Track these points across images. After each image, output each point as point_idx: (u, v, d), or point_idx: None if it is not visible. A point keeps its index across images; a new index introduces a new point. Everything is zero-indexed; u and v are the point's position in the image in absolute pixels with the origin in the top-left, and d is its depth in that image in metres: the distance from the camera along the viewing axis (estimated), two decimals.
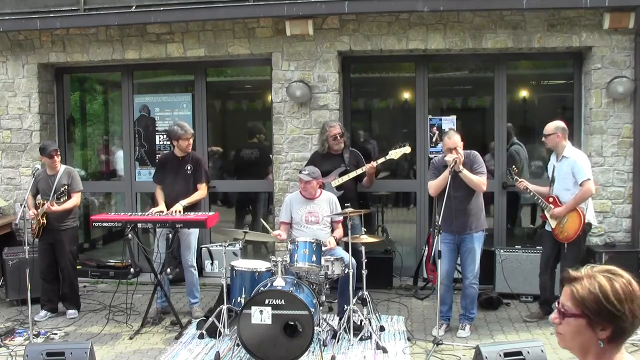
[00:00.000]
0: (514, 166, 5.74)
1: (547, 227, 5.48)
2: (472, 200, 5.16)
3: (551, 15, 6.30)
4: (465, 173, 5.04)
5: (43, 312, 5.92)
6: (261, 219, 6.16)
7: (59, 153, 5.83)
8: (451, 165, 4.96)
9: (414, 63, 6.95)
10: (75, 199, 5.84)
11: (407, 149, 6.06)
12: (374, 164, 6.02)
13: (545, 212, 5.38)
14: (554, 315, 1.76)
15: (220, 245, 6.34)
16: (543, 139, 5.40)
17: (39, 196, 5.81)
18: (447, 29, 6.46)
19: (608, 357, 1.68)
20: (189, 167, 5.81)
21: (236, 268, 5.02)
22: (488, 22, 6.40)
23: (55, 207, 5.57)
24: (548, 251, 5.52)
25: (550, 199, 5.36)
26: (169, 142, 7.22)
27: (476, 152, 5.29)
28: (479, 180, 5.08)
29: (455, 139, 5.08)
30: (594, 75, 6.31)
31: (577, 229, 5.23)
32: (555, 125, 5.32)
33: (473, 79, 7.89)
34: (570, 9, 6.22)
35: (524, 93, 7.50)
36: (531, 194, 5.40)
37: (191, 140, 5.82)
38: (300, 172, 5.62)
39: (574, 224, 5.24)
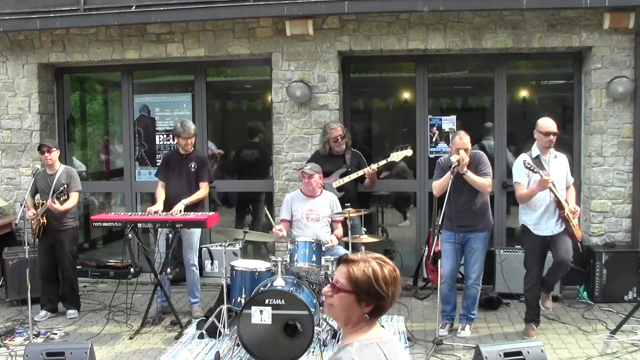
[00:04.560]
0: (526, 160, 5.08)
1: (540, 232, 5.06)
2: (477, 199, 5.14)
3: (551, 15, 6.30)
4: (470, 175, 5.02)
5: (43, 312, 5.93)
6: (265, 208, 6.11)
7: (51, 150, 5.79)
8: (454, 166, 4.94)
9: (414, 63, 6.95)
10: (74, 199, 5.83)
11: (408, 152, 6.05)
12: (374, 167, 6.01)
13: (567, 211, 4.98)
14: (326, 289, 2.02)
15: (220, 245, 6.34)
16: (552, 137, 5.01)
17: (37, 195, 5.81)
18: (447, 29, 6.46)
19: (362, 329, 1.98)
20: (192, 165, 5.83)
21: (236, 268, 5.02)
22: (488, 22, 6.40)
23: (57, 206, 5.56)
24: (542, 261, 5.17)
25: (564, 197, 5.08)
26: (169, 142, 7.25)
27: (482, 153, 5.27)
28: (483, 182, 5.06)
29: (465, 140, 5.03)
30: (594, 75, 6.30)
31: (579, 226, 5.22)
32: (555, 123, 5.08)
33: (473, 79, 7.89)
34: (570, 9, 6.22)
35: (524, 93, 7.50)
36: (556, 191, 4.94)
37: (190, 140, 5.80)
38: (301, 169, 5.63)
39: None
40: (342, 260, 2.03)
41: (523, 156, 5.11)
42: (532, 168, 4.86)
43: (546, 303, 5.27)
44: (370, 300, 1.94)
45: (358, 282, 1.94)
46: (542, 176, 4.83)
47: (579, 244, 5.22)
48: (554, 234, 5.03)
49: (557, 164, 5.12)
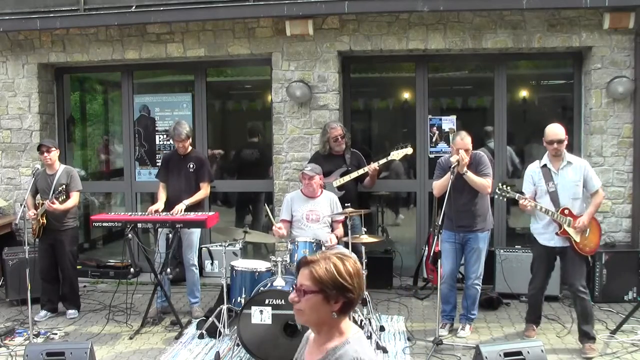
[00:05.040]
0: (502, 184, 4.97)
1: (544, 242, 4.93)
2: (477, 200, 5.13)
3: (551, 15, 6.30)
4: (469, 175, 5.01)
5: (43, 312, 5.93)
6: (265, 205, 6.12)
7: (50, 150, 5.79)
8: (454, 166, 4.94)
9: (414, 63, 6.95)
10: (75, 199, 5.83)
11: (408, 150, 6.05)
12: (375, 165, 6.01)
13: (566, 227, 4.74)
14: (292, 295, 1.97)
15: (220, 245, 6.35)
16: (556, 145, 4.76)
17: (38, 196, 5.82)
18: (447, 29, 6.46)
19: (337, 327, 1.97)
20: (191, 165, 5.83)
21: (236, 268, 5.02)
22: (488, 22, 6.40)
23: (56, 206, 5.56)
24: (546, 269, 5.06)
25: (566, 211, 4.77)
26: (169, 142, 7.25)
27: (482, 153, 5.25)
28: (483, 183, 5.05)
29: (467, 141, 5.00)
30: (594, 75, 6.30)
31: (599, 238, 4.92)
32: (563, 129, 4.81)
33: (473, 79, 7.89)
34: (570, 9, 6.22)
35: (524, 93, 7.50)
36: (543, 210, 4.78)
37: (183, 144, 5.77)
38: (302, 170, 5.63)
39: (596, 234, 4.88)
40: (301, 264, 1.99)
41: (531, 166, 5.01)
42: (504, 194, 4.85)
43: (585, 349, 4.76)
44: (339, 295, 1.92)
45: (323, 280, 1.92)
46: (519, 200, 4.80)
47: (589, 259, 4.92)
48: (558, 246, 4.86)
49: (569, 172, 4.82)
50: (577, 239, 4.78)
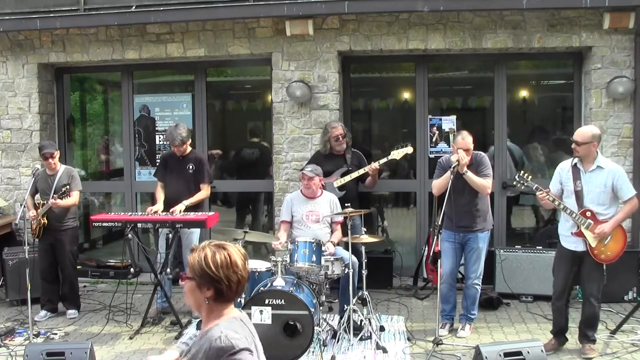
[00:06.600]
0: (522, 172, 4.90)
1: (566, 245, 4.74)
2: (477, 200, 5.13)
3: (551, 15, 6.30)
4: (469, 175, 5.01)
5: (43, 312, 5.93)
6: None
7: (54, 156, 5.78)
8: (454, 166, 4.94)
9: (414, 63, 6.95)
10: (75, 197, 5.84)
11: (409, 149, 6.05)
12: (376, 165, 6.01)
13: (582, 229, 4.59)
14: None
15: None
16: (574, 146, 4.62)
17: (37, 195, 5.81)
18: (447, 29, 6.46)
19: (215, 313, 2.12)
20: (190, 166, 5.82)
21: None
22: (488, 22, 6.40)
23: (59, 202, 5.56)
24: (567, 272, 4.77)
25: (588, 213, 4.59)
26: (168, 143, 7.25)
27: (483, 154, 5.24)
28: (483, 183, 5.05)
29: (468, 141, 5.00)
30: (594, 75, 6.30)
31: (621, 248, 4.70)
32: (592, 133, 4.59)
33: (473, 79, 7.89)
34: (570, 9, 6.22)
35: (524, 93, 7.50)
36: (561, 207, 4.64)
37: (178, 149, 5.76)
38: (302, 170, 5.63)
39: (619, 243, 4.68)
40: (191, 250, 2.17)
41: (562, 163, 4.85)
42: (522, 182, 4.74)
43: (584, 349, 4.73)
44: (208, 284, 2.07)
45: (193, 268, 2.09)
46: (536, 192, 4.69)
47: (604, 267, 4.69)
48: (579, 250, 4.67)
49: (597, 176, 4.60)
50: (593, 243, 4.60)
